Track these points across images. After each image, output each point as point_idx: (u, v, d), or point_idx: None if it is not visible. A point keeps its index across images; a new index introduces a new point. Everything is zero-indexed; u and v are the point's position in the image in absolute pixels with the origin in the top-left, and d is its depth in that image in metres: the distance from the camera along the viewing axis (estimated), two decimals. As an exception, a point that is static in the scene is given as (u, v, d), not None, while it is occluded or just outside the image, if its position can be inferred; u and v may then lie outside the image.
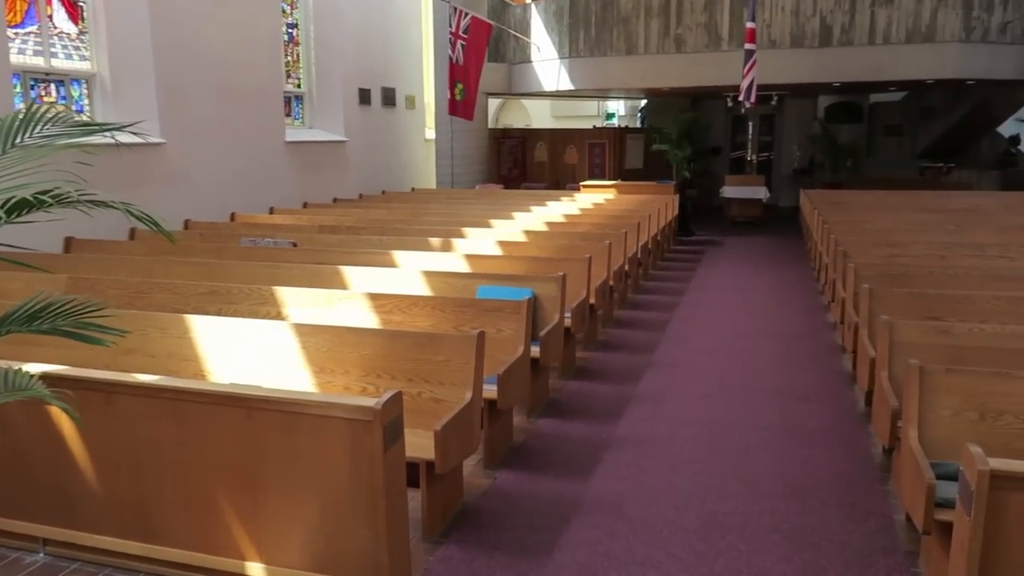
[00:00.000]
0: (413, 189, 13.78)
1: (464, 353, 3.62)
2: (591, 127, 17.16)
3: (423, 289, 5.27)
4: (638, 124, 17.60)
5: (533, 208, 9.87)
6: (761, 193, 14.48)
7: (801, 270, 10.15)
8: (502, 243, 6.82)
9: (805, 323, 7.32)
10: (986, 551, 2.22)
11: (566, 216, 9.15)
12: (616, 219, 8.75)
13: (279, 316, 4.71)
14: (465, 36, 13.16)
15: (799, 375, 5.75)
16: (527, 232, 7.63)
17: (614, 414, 4.96)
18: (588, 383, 5.60)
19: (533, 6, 14.12)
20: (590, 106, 19.67)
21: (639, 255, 8.40)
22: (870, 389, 4.39)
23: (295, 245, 6.95)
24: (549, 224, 8.38)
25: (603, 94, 16.17)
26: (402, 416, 2.86)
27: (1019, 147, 15.92)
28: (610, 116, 19.75)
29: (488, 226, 8.12)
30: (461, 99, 13.36)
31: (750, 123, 17.73)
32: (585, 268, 5.79)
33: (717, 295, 8.66)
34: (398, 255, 6.16)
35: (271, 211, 9.75)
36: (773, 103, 14.84)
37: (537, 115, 19.61)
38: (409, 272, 5.45)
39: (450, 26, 13.02)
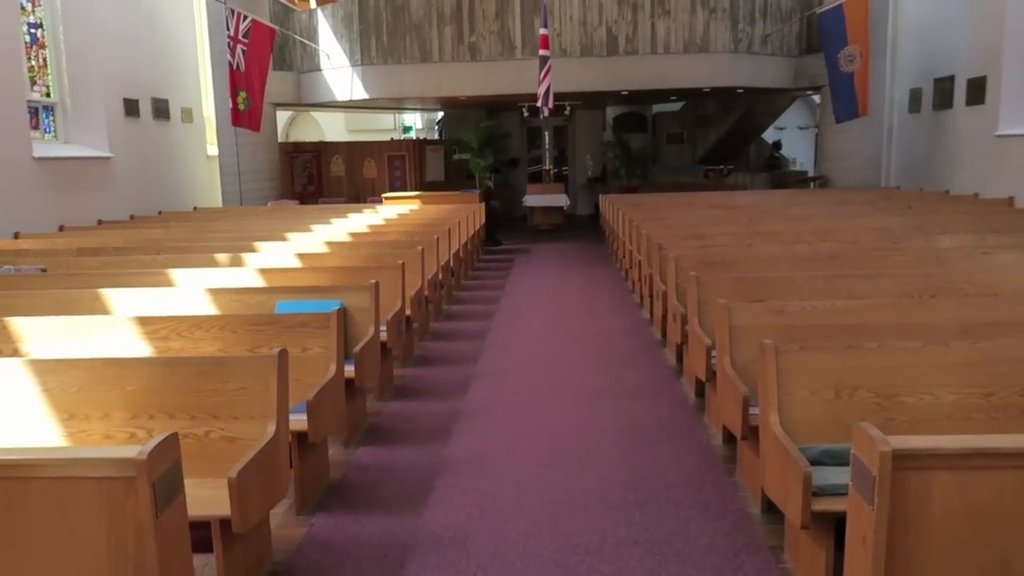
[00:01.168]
0: (196, 208, 12.45)
1: (262, 378, 2.95)
2: (389, 140, 16.62)
3: (209, 309, 4.46)
4: (436, 137, 17.32)
5: (334, 221, 9.15)
6: (562, 200, 14.70)
7: (609, 272, 10.26)
8: (302, 255, 6.10)
9: (622, 321, 7.26)
10: (890, 540, 1.97)
11: (371, 227, 8.54)
12: (425, 227, 8.28)
13: (15, 354, 3.71)
14: (245, 41, 12.14)
15: (626, 373, 5.58)
16: (330, 243, 6.94)
17: (443, 434, 4.44)
18: (410, 403, 5.05)
19: (319, 11, 13.36)
20: (386, 119, 19.11)
21: (452, 263, 7.99)
22: (705, 379, 4.25)
23: (44, 271, 5.76)
24: (353, 235, 7.74)
25: (399, 104, 15.71)
26: (180, 465, 2.16)
27: (781, 152, 17.54)
28: (407, 129, 19.30)
29: (285, 239, 7.33)
30: (245, 108, 12.30)
31: (545, 134, 18.11)
32: (399, 275, 5.24)
33: (533, 300, 8.45)
34: (176, 273, 5.25)
35: (16, 236, 8.23)
36: (566, 113, 15.17)
37: (330, 129, 18.72)
38: (190, 291, 4.60)
39: (228, 29, 11.94)
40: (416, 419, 4.72)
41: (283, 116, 19.29)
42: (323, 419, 3.47)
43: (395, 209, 10.90)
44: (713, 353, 3.96)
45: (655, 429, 4.44)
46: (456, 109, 16.64)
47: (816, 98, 18.90)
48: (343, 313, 4.10)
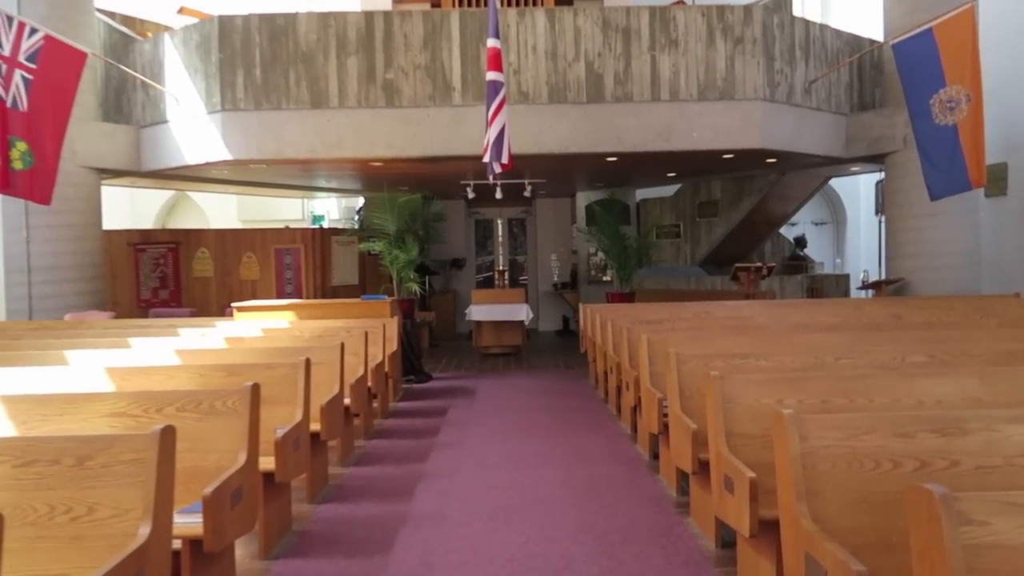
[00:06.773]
0: (-67, 325, 7.69)
1: None
2: (284, 227, 12.17)
3: None
4: (356, 227, 12.93)
5: (85, 353, 4.53)
6: (522, 313, 10.34)
7: (613, 437, 5.73)
8: None
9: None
10: None
11: (123, 371, 3.92)
12: (242, 373, 3.72)
13: None
14: (31, 66, 7.80)
15: None
16: None
17: None
18: None
19: (168, 39, 9.15)
20: (291, 207, 14.76)
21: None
22: None
23: None
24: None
25: (307, 179, 11.41)
26: None
27: (805, 250, 13.58)
28: (318, 219, 14.98)
29: None
30: (26, 168, 7.83)
31: (498, 224, 14.00)
32: None
33: (480, 520, 3.83)
34: None
35: None
36: (526, 194, 11.07)
37: (218, 219, 14.27)
38: None
39: None
40: None
41: (159, 200, 14.81)
42: None
43: (238, 328, 6.31)
44: None
45: None
46: (379, 192, 12.37)
47: (836, 183, 15.08)
48: None
